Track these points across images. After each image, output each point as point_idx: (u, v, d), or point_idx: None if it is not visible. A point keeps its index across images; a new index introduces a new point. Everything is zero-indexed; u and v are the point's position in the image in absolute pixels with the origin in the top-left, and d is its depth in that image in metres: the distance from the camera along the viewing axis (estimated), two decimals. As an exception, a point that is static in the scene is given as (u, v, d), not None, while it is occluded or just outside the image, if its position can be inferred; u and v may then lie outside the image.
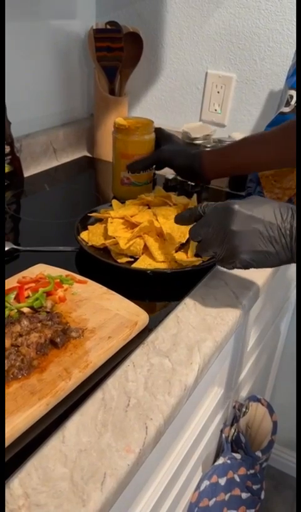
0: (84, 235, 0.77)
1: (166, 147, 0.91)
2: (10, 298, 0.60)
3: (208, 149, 0.91)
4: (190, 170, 0.86)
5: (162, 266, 0.71)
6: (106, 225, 0.77)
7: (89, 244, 0.75)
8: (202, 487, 0.85)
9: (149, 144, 0.93)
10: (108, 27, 1.11)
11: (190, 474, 0.82)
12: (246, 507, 0.96)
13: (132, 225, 0.76)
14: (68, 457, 0.44)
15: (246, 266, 0.58)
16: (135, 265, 0.70)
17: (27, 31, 1.05)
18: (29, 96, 1.12)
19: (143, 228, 0.73)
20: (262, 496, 1.04)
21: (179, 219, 0.67)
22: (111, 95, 1.18)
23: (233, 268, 0.59)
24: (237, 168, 0.84)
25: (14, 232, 0.88)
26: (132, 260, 0.72)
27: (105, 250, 0.75)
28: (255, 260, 0.56)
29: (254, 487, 1.00)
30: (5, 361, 0.50)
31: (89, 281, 0.66)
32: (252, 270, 0.60)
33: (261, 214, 0.54)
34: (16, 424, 0.44)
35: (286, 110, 0.96)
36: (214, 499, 0.88)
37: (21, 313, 0.58)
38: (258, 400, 1.11)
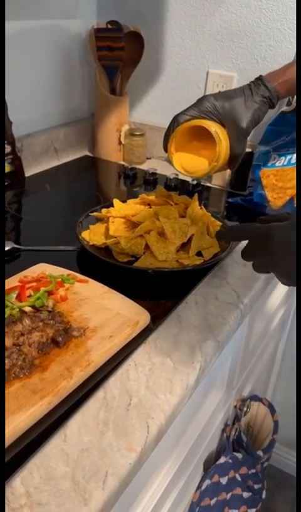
0: (85, 234, 0.77)
1: None
2: (11, 297, 0.60)
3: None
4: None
5: (163, 265, 0.71)
6: (107, 224, 0.77)
7: (91, 243, 0.75)
8: (203, 487, 0.85)
9: None
10: (109, 26, 1.11)
11: (191, 473, 0.82)
12: (247, 507, 0.96)
13: (133, 224, 0.76)
14: (70, 456, 0.44)
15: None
16: (136, 265, 0.70)
17: (28, 30, 1.05)
18: (30, 95, 1.12)
19: (145, 228, 0.73)
20: (263, 495, 1.04)
21: (220, 236, 0.69)
22: (112, 95, 1.18)
23: None
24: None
25: (16, 231, 0.88)
26: (133, 259, 0.72)
27: (106, 250, 0.75)
28: None
29: (256, 486, 1.00)
30: (7, 360, 0.50)
31: (91, 280, 0.66)
32: (252, 269, 0.59)
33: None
34: (18, 423, 0.44)
35: (287, 109, 0.96)
36: (215, 499, 0.88)
37: (22, 312, 0.58)
38: (260, 400, 1.11)
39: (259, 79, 0.72)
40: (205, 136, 0.69)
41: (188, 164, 0.73)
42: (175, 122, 0.70)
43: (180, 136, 0.71)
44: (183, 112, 0.70)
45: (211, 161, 0.70)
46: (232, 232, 0.66)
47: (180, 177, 1.11)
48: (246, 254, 0.56)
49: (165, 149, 0.72)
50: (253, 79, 0.73)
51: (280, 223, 0.52)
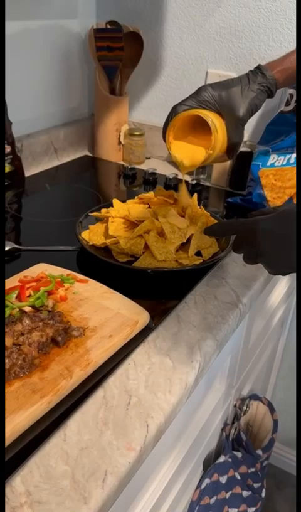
0: (85, 234, 0.78)
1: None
2: (11, 297, 0.60)
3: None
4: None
5: (163, 265, 0.71)
6: (107, 224, 0.77)
7: (90, 243, 0.76)
8: (203, 486, 0.85)
9: None
10: (109, 26, 1.11)
11: (191, 472, 0.82)
12: (247, 506, 0.97)
13: (132, 224, 0.77)
14: (70, 455, 0.44)
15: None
16: (135, 264, 0.71)
17: (28, 30, 1.05)
18: (29, 96, 1.12)
19: (144, 227, 0.73)
20: (263, 494, 1.05)
21: (209, 232, 0.69)
22: (112, 95, 1.18)
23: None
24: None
25: (15, 231, 0.88)
26: (133, 259, 0.72)
27: (106, 249, 0.75)
28: (291, 271, 0.55)
29: (255, 485, 1.00)
30: (7, 360, 0.50)
31: (90, 280, 0.67)
32: (253, 268, 0.60)
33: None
34: (18, 422, 0.44)
35: (287, 109, 0.96)
36: (215, 497, 0.88)
37: (22, 312, 0.58)
38: (259, 399, 1.11)
39: (258, 67, 0.72)
40: (203, 126, 0.69)
41: (185, 153, 0.74)
42: (173, 111, 0.71)
43: (178, 126, 0.72)
44: (181, 102, 0.71)
45: (207, 149, 0.71)
46: (221, 227, 0.68)
47: (180, 176, 1.12)
48: (235, 247, 0.60)
49: (165, 138, 0.73)
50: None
51: (264, 216, 0.54)
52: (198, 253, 0.75)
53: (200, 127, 0.71)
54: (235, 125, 0.70)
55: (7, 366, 0.49)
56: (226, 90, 0.70)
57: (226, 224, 0.66)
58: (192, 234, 0.75)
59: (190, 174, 1.15)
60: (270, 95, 0.73)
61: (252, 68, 0.73)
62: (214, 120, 0.69)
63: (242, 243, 0.58)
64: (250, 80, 0.71)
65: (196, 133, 0.73)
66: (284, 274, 0.56)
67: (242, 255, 0.60)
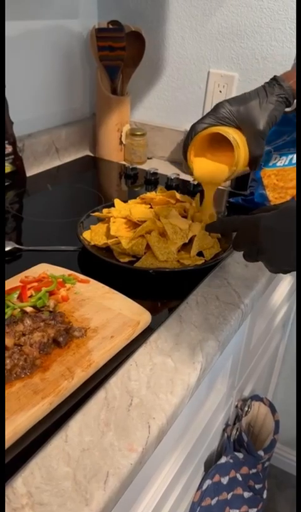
0: (86, 235, 0.78)
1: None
2: (13, 297, 0.60)
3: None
4: None
5: (165, 265, 0.71)
6: (108, 225, 0.77)
7: (92, 243, 0.75)
8: (204, 487, 0.85)
9: None
10: (110, 26, 1.11)
11: (192, 473, 0.82)
12: (248, 507, 0.97)
13: (134, 225, 0.76)
14: (71, 456, 0.44)
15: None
16: (137, 265, 0.71)
17: (30, 30, 1.05)
18: (31, 95, 1.12)
19: (146, 228, 0.73)
20: (264, 495, 1.04)
21: (210, 228, 0.69)
22: (114, 95, 1.18)
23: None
24: None
25: (17, 232, 0.88)
26: (134, 259, 0.72)
27: (108, 250, 0.75)
28: (292, 269, 0.55)
29: (257, 486, 1.00)
30: (9, 360, 0.50)
31: (92, 280, 0.66)
32: (255, 269, 0.60)
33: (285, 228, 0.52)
34: (19, 423, 0.44)
35: (288, 109, 0.96)
36: (216, 498, 0.88)
37: (23, 312, 0.58)
38: (261, 399, 1.11)
39: (274, 79, 0.72)
40: (223, 142, 0.70)
41: (209, 171, 0.74)
42: (192, 131, 0.71)
43: (198, 144, 0.72)
44: (200, 121, 0.71)
45: (231, 166, 0.71)
46: (222, 224, 0.68)
47: (181, 176, 1.11)
48: (236, 244, 0.60)
49: (185, 157, 0.73)
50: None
51: (266, 213, 0.54)
52: (200, 254, 0.75)
53: (217, 143, 0.71)
54: (255, 138, 0.70)
55: (8, 367, 0.49)
56: (244, 105, 0.70)
57: (227, 220, 0.66)
58: (194, 235, 0.75)
59: (191, 173, 1.15)
60: (288, 105, 0.73)
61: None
62: (235, 136, 0.69)
63: (243, 240, 0.58)
64: (267, 92, 0.71)
65: (216, 149, 0.73)
66: (285, 272, 0.56)
67: (242, 253, 0.60)
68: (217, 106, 0.71)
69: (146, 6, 1.18)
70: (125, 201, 0.85)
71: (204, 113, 1.21)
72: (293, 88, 0.72)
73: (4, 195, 0.99)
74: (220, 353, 0.62)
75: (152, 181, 1.11)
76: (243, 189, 1.05)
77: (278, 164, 0.93)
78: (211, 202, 0.80)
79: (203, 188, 0.78)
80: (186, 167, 0.75)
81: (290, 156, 0.93)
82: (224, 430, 0.96)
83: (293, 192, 0.91)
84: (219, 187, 1.11)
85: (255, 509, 0.99)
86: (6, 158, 1.02)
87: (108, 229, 0.76)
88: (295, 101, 0.94)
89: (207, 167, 0.74)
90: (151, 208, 0.82)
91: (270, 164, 0.94)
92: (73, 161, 1.23)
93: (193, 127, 0.71)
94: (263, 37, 1.06)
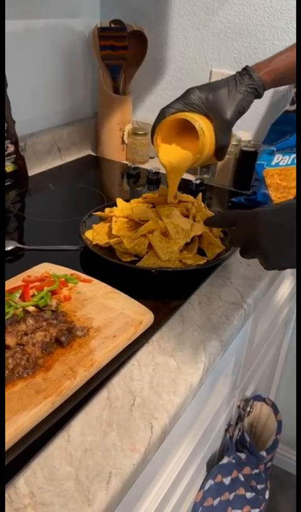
0: (88, 234, 0.77)
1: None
2: (15, 297, 0.60)
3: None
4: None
5: (167, 265, 0.70)
6: (110, 224, 0.77)
7: (94, 243, 0.75)
8: (206, 487, 0.85)
9: None
10: (113, 25, 1.11)
11: (194, 474, 0.82)
12: (250, 507, 0.96)
13: (136, 224, 0.76)
14: (73, 456, 0.44)
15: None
16: (139, 264, 0.70)
17: (32, 29, 1.05)
18: (33, 95, 1.12)
19: (148, 227, 0.73)
20: (266, 496, 1.04)
21: (209, 222, 0.69)
22: (116, 94, 1.18)
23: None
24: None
25: (19, 231, 0.88)
26: (137, 259, 0.72)
27: (110, 249, 0.74)
28: (288, 266, 0.55)
29: (259, 486, 1.00)
30: (11, 360, 0.50)
31: (94, 280, 0.66)
32: (257, 268, 0.60)
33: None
34: (22, 423, 0.44)
35: (292, 108, 0.96)
36: (218, 499, 0.87)
37: (26, 312, 0.58)
38: (263, 400, 1.11)
39: (245, 69, 0.71)
40: (191, 129, 0.69)
41: (173, 157, 0.74)
42: (161, 115, 0.71)
43: (167, 129, 0.72)
44: (169, 105, 0.71)
45: (195, 154, 0.70)
46: (220, 218, 0.68)
47: (183, 176, 1.11)
48: (233, 239, 0.61)
49: (153, 142, 0.73)
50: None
51: (265, 208, 0.55)
52: (202, 253, 0.74)
53: (188, 129, 0.70)
54: (222, 127, 0.70)
55: (10, 367, 0.49)
56: (213, 92, 0.69)
57: (226, 214, 0.67)
58: (196, 236, 0.74)
59: (194, 173, 1.15)
60: (258, 96, 0.72)
61: None
62: (202, 123, 0.69)
63: (240, 235, 0.58)
64: (237, 81, 0.70)
65: (185, 135, 0.73)
66: (281, 269, 0.56)
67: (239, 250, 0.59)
68: (187, 92, 0.71)
69: (148, 5, 1.17)
70: (127, 201, 0.84)
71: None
72: (264, 79, 0.71)
73: (4, 195, 0.99)
74: (223, 353, 0.62)
75: (154, 180, 1.11)
76: (246, 189, 1.05)
77: (281, 163, 0.93)
78: (174, 191, 0.79)
79: (167, 175, 0.77)
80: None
81: (292, 156, 0.92)
82: (226, 430, 0.96)
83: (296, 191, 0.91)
84: (223, 186, 1.11)
85: (257, 510, 0.99)
86: (8, 157, 1.02)
87: (110, 228, 0.76)
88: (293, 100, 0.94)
89: (173, 153, 0.74)
90: (153, 207, 0.82)
91: (273, 163, 0.94)
92: (75, 160, 1.23)
93: (161, 111, 0.71)
94: (266, 37, 1.06)
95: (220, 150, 0.72)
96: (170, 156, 0.74)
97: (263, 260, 0.56)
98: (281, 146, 0.94)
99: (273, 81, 0.72)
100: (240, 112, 0.70)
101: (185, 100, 0.70)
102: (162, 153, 0.74)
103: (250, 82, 0.70)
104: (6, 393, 0.47)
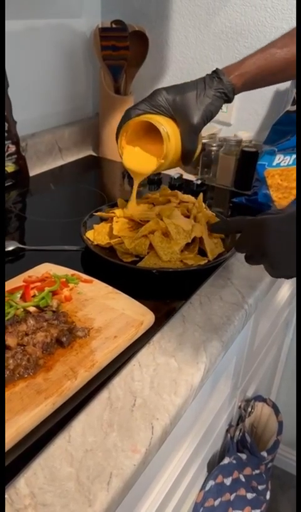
0: (89, 234, 0.77)
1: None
2: (16, 297, 0.60)
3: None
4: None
5: (168, 265, 0.70)
6: (111, 224, 0.77)
7: (95, 243, 0.75)
8: (207, 487, 0.85)
9: None
10: (114, 26, 1.11)
11: (195, 474, 0.82)
12: (251, 508, 0.96)
13: (137, 224, 0.76)
14: (74, 457, 0.44)
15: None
16: (140, 264, 0.70)
17: (33, 29, 1.05)
18: (34, 95, 1.12)
19: (149, 228, 0.73)
20: (267, 496, 1.04)
21: (214, 229, 0.69)
22: (117, 94, 1.18)
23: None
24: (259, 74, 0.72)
25: (20, 231, 0.88)
26: (138, 259, 0.72)
27: (111, 249, 0.74)
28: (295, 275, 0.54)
29: (260, 487, 1.00)
30: (12, 360, 0.50)
31: (95, 280, 0.66)
32: (258, 269, 0.60)
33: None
34: (22, 423, 0.44)
35: (293, 108, 0.96)
36: (219, 499, 0.87)
37: (27, 312, 0.58)
38: (264, 400, 1.11)
39: (215, 72, 0.69)
40: (157, 131, 0.67)
41: (137, 160, 0.71)
42: (126, 116, 0.68)
43: (132, 130, 0.69)
44: (135, 106, 0.68)
45: (159, 159, 0.68)
46: (226, 224, 0.67)
47: (185, 176, 1.11)
48: (239, 245, 0.59)
49: (118, 143, 0.71)
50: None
51: (273, 215, 0.53)
52: (203, 254, 0.74)
53: (154, 131, 0.68)
54: (189, 132, 0.67)
55: (11, 367, 0.49)
56: (180, 95, 0.67)
57: (232, 221, 0.65)
58: (197, 236, 0.74)
59: (195, 173, 1.15)
60: (227, 100, 0.69)
61: None
62: (167, 127, 0.66)
63: (247, 242, 0.57)
64: (206, 84, 0.67)
65: (152, 136, 0.70)
66: (287, 277, 0.55)
67: (244, 255, 0.59)
68: (154, 93, 0.68)
69: (149, 5, 1.17)
70: (127, 201, 0.84)
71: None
72: (234, 83, 0.68)
73: (4, 195, 0.99)
74: (224, 353, 0.62)
75: (155, 180, 1.11)
76: (247, 189, 1.05)
77: (282, 163, 0.93)
78: (135, 192, 0.78)
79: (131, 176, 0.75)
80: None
81: (293, 156, 0.92)
82: (227, 430, 0.96)
83: (297, 192, 0.91)
84: (224, 187, 1.11)
85: (258, 510, 0.98)
86: (9, 157, 1.02)
87: (111, 229, 0.76)
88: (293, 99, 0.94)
89: (137, 157, 0.71)
90: (154, 206, 0.82)
91: (274, 163, 0.94)
92: (76, 161, 1.23)
93: (127, 112, 0.68)
94: (267, 37, 1.05)
95: (186, 156, 0.69)
96: (133, 160, 0.71)
97: (270, 269, 0.55)
98: (283, 146, 0.94)
99: (244, 85, 0.70)
100: (208, 117, 0.67)
101: (151, 102, 0.67)
102: (126, 156, 0.71)
103: (219, 86, 0.67)
104: (7, 393, 0.47)
